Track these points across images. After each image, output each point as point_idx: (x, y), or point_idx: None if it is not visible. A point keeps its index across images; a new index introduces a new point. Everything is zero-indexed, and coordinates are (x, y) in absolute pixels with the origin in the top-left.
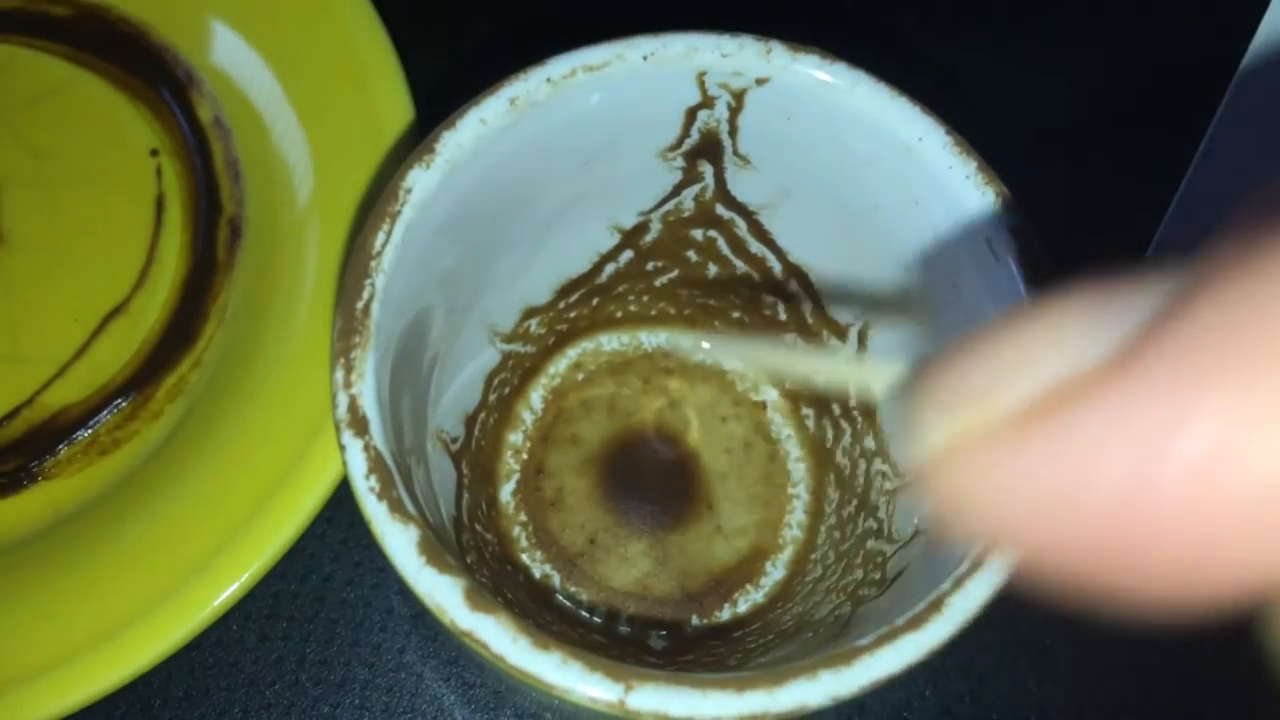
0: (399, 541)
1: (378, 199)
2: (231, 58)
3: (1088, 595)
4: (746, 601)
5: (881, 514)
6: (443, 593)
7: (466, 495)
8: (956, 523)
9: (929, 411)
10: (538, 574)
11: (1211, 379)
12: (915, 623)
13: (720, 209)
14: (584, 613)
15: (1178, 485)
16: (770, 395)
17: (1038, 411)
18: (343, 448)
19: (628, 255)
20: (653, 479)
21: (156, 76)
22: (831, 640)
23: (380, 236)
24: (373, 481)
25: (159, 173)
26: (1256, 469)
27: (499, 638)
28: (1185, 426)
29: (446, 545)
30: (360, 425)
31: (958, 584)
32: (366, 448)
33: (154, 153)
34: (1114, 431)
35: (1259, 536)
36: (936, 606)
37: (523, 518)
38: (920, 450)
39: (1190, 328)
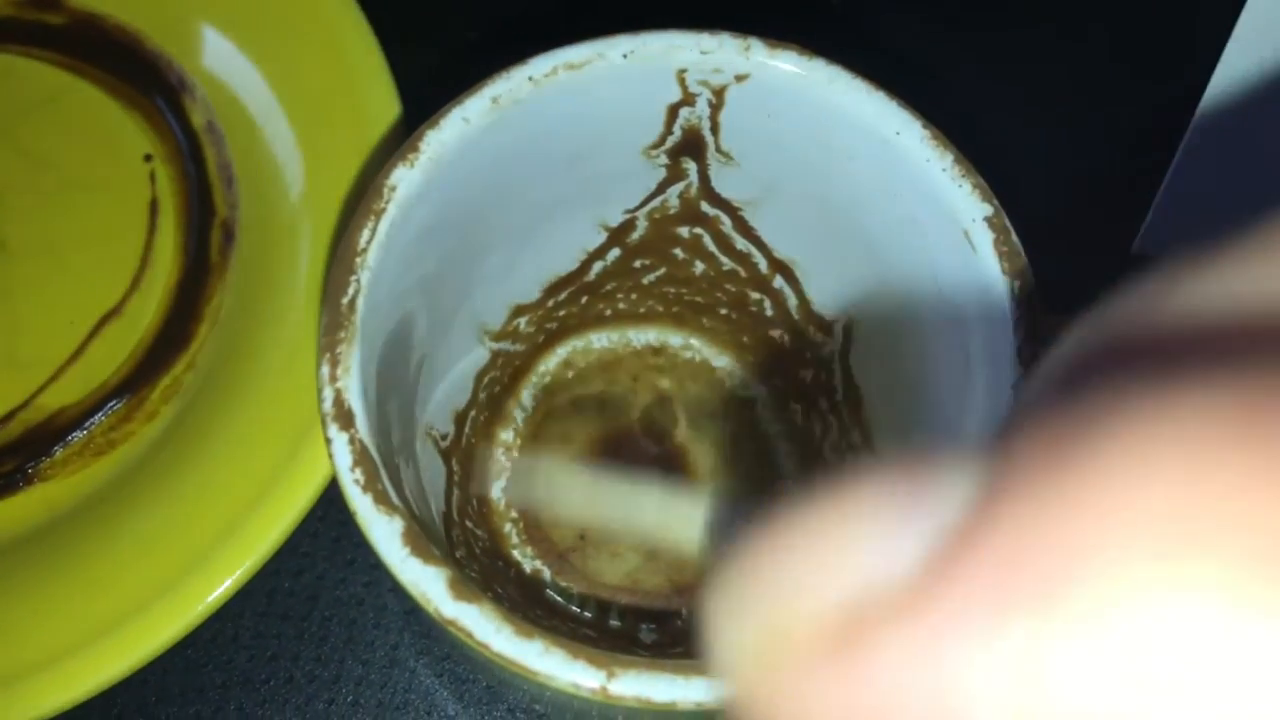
0: (384, 532)
1: (363, 197)
2: (223, 63)
3: None
4: None
5: None
6: (427, 582)
7: (457, 492)
8: None
9: (730, 609)
10: (528, 569)
11: (1014, 604)
12: None
13: (705, 206)
14: (575, 607)
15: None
16: (759, 391)
17: (846, 630)
18: (328, 441)
19: (615, 253)
20: (642, 475)
21: (150, 83)
22: None
23: (365, 233)
24: (358, 474)
25: (153, 178)
26: (1064, 698)
27: (482, 626)
28: (988, 659)
29: (435, 540)
30: (346, 419)
31: None
32: (352, 440)
33: (148, 158)
34: (920, 658)
35: None
36: None
37: (513, 514)
38: (720, 649)
39: (994, 545)
